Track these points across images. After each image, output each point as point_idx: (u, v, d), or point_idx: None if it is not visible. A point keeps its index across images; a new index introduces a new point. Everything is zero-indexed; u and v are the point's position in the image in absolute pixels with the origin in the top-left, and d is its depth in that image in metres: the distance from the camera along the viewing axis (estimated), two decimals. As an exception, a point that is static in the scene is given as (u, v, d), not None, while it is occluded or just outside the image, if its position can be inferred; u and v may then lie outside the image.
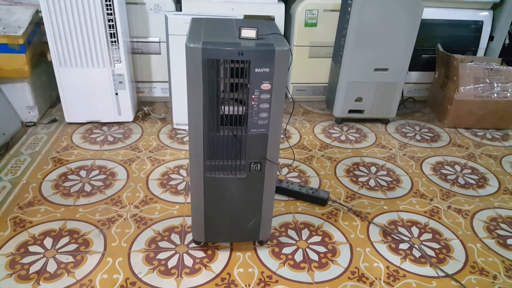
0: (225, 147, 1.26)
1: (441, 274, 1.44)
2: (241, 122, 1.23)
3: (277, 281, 1.37)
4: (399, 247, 1.56)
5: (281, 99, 1.19)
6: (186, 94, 1.16)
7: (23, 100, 2.22)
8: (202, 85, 1.14)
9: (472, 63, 2.51)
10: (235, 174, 1.30)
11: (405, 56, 2.33)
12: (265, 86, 1.15)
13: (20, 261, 1.39)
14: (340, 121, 2.53)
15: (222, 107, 1.21)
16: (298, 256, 1.47)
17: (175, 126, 2.32)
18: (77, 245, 1.46)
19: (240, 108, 1.21)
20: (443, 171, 2.09)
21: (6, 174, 1.84)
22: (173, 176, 1.89)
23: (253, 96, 1.16)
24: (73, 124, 2.31)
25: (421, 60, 2.76)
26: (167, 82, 2.20)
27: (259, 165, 1.29)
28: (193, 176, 1.30)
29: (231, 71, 1.16)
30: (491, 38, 2.81)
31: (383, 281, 1.40)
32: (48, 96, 2.45)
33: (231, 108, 1.21)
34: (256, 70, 1.12)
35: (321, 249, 1.52)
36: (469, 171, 2.11)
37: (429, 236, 1.63)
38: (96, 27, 2.04)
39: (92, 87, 2.19)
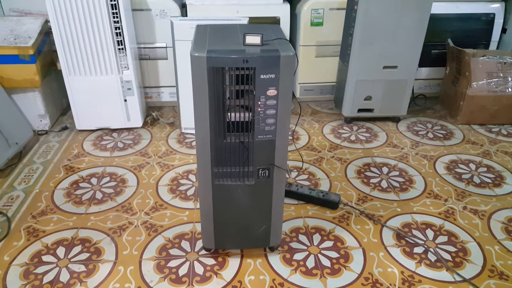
0: (232, 154, 1.25)
1: (458, 278, 1.41)
2: (248, 129, 1.22)
3: (288, 288, 1.36)
4: (414, 251, 1.52)
5: (288, 104, 1.17)
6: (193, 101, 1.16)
7: (35, 109, 2.24)
8: (208, 93, 1.13)
9: (485, 57, 2.45)
10: (243, 181, 1.29)
11: (414, 52, 2.29)
12: (271, 92, 1.13)
13: (34, 271, 1.40)
14: (350, 120, 2.50)
15: (229, 114, 1.20)
16: (310, 262, 1.46)
17: (183, 131, 2.33)
18: (89, 254, 1.47)
19: (247, 115, 1.20)
20: (458, 170, 2.05)
21: (20, 183, 1.87)
22: (182, 181, 1.89)
23: (259, 103, 1.15)
24: (83, 131, 2.33)
25: (431, 56, 2.71)
26: (174, 86, 2.21)
27: (267, 171, 1.27)
28: (201, 183, 1.29)
29: (236, 78, 1.15)
30: (503, 30, 2.73)
31: (398, 287, 1.37)
32: (59, 104, 2.48)
33: (237, 115, 1.20)
34: (262, 76, 1.10)
35: (333, 254, 1.50)
36: (485, 169, 2.05)
37: (445, 238, 1.59)
38: (104, 35, 2.05)
39: (101, 94, 2.21)
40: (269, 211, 1.35)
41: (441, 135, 2.39)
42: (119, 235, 1.55)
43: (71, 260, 1.44)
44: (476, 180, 1.96)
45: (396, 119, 2.53)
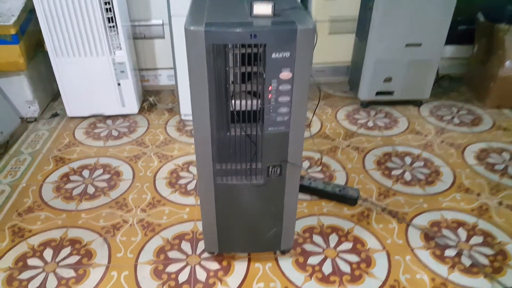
0: (237, 148, 1.06)
1: (499, 287, 1.22)
2: (256, 119, 1.02)
3: (303, 300, 1.18)
4: (445, 254, 1.34)
5: (305, 90, 0.97)
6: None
7: (22, 94, 2.06)
8: (207, 76, 0.93)
9: (519, 33, 2.20)
10: (251, 180, 1.10)
11: (441, 28, 2.05)
12: (285, 75, 0.93)
13: (18, 277, 1.25)
14: (366, 104, 2.28)
15: (233, 101, 1.00)
16: (327, 267, 1.28)
17: (183, 117, 2.13)
18: (79, 257, 1.31)
19: (255, 102, 1.00)
20: (489, 160, 1.84)
21: (5, 176, 1.70)
22: (182, 174, 1.71)
23: (270, 88, 0.95)
24: (75, 118, 2.15)
25: (457, 32, 2.45)
26: (172, 68, 2.00)
27: (278, 168, 1.08)
28: (201, 182, 1.10)
29: (242, 57, 0.94)
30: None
31: (428, 297, 1.20)
32: (48, 89, 2.28)
33: (243, 102, 1.00)
34: (274, 55, 0.90)
35: (353, 258, 1.32)
36: (520, 159, 1.85)
37: (480, 239, 1.40)
38: (92, 11, 1.84)
39: (92, 77, 2.01)
40: (280, 213, 1.17)
41: (468, 121, 2.17)
42: (113, 235, 1.39)
43: (59, 264, 1.29)
44: (511, 171, 1.75)
45: (418, 103, 2.31)
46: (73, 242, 1.37)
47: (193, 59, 0.91)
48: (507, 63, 2.17)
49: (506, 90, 2.23)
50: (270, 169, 1.08)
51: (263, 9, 0.90)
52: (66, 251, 1.33)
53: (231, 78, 0.98)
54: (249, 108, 1.01)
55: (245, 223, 1.18)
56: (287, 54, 0.90)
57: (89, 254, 1.32)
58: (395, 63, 2.11)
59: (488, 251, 1.35)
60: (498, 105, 2.28)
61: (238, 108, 1.01)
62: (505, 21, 2.20)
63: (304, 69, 0.93)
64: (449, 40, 2.42)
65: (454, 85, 2.54)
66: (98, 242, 1.36)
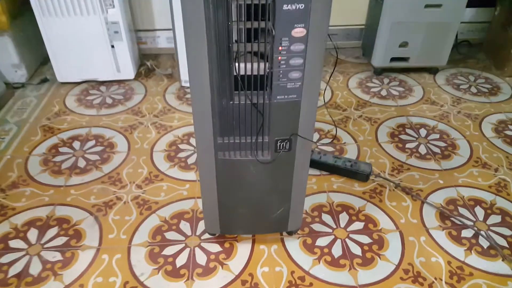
0: (242, 120, 0.93)
1: (520, 272, 1.13)
2: (263, 86, 0.89)
3: (311, 284, 1.09)
4: (462, 235, 1.24)
5: (321, 51, 0.83)
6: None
7: (6, 57, 1.90)
8: (206, 33, 0.79)
9: (547, -6, 2.01)
10: (256, 155, 0.97)
11: (464, -13, 1.86)
12: (298, 31, 0.78)
13: None
14: (380, 71, 2.12)
15: (236, 64, 0.86)
16: (336, 250, 1.18)
17: (183, 84, 1.98)
18: (67, 238, 1.20)
19: (262, 66, 0.86)
20: (508, 132, 1.71)
21: (-10, 147, 1.58)
22: (182, 146, 1.59)
23: (280, 48, 0.80)
24: (66, 84, 2.00)
25: (477, -8, 2.25)
26: (172, 30, 1.84)
27: (288, 143, 0.96)
28: (201, 158, 0.98)
29: (247, 10, 0.79)
30: None
31: (445, 282, 1.11)
32: (37, 52, 2.11)
33: (248, 66, 0.86)
34: (285, 7, 0.75)
35: (365, 239, 1.22)
36: (541, 132, 1.72)
37: (498, 218, 1.30)
38: (80, -37, 1.65)
39: (83, 39, 1.84)
40: (288, 191, 1.05)
41: (486, 90, 2.02)
42: (105, 214, 1.28)
43: (45, 246, 1.18)
44: (532, 145, 1.63)
45: (434, 70, 2.15)
46: (61, 221, 1.26)
47: (188, 12, 0.77)
48: (533, 27, 2.00)
49: (528, 57, 2.07)
50: (279, 144, 0.95)
51: (273, -49, 0.75)
52: (52, 231, 1.22)
53: (235, 36, 0.84)
54: (255, 72, 0.87)
55: (249, 203, 1.07)
56: (301, 6, 0.75)
57: (78, 235, 1.21)
58: (413, 26, 1.93)
59: (507, 231, 1.26)
60: (519, 74, 2.13)
61: (242, 72, 0.87)
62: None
63: (321, 25, 0.78)
64: (469, 2, 2.23)
65: (472, 51, 2.37)
66: (88, 222, 1.25)
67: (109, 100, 1.88)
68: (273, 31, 0.78)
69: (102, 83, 2.01)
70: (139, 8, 2.11)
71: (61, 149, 1.56)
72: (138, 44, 2.21)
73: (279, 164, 0.99)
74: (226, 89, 0.89)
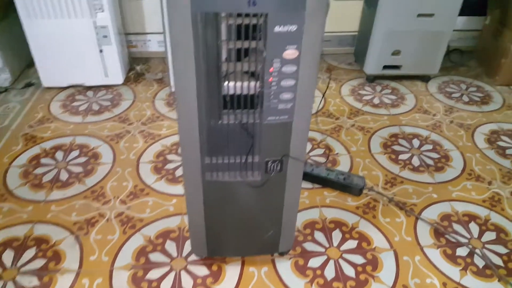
0: (231, 140, 0.89)
1: (516, 294, 1.11)
2: (253, 105, 0.84)
3: (303, 308, 1.05)
4: (457, 253, 1.21)
5: (313, 72, 0.78)
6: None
7: (-12, 61, 1.83)
8: (194, 52, 0.74)
9: (539, 3, 1.99)
10: (246, 177, 0.93)
11: (456, -3, 1.84)
12: (290, 53, 0.74)
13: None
14: (372, 79, 2.09)
15: (226, 84, 0.81)
16: (329, 271, 1.15)
17: (173, 89, 1.92)
18: (45, 261, 1.13)
19: (252, 85, 0.82)
20: (500, 143, 1.69)
21: (-32, 156, 1.51)
22: (170, 157, 1.54)
23: (271, 69, 0.76)
24: (52, 89, 1.93)
25: (469, 2, 2.22)
26: (163, 33, 1.78)
27: (279, 164, 0.91)
28: (187, 179, 0.93)
29: (237, 29, 0.75)
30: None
31: (440, 305, 1.08)
32: (22, 55, 2.03)
33: (238, 85, 0.81)
34: (277, 29, 0.70)
35: (358, 259, 1.18)
36: (533, 143, 1.70)
37: (493, 235, 1.28)
38: (66, -35, 1.59)
39: (70, 43, 1.78)
40: (279, 213, 1.01)
41: (477, 99, 2.01)
42: (86, 233, 1.22)
43: (21, 270, 1.11)
44: (525, 157, 1.62)
45: (426, 78, 2.13)
46: (39, 241, 1.19)
47: (176, 30, 0.72)
48: (524, 37, 1.99)
49: (518, 66, 2.06)
50: (269, 165, 0.91)
51: (265, -33, 0.70)
52: (30, 253, 1.15)
53: (224, 55, 0.79)
54: (245, 92, 0.82)
55: (238, 225, 1.02)
56: (293, 27, 0.70)
57: (57, 257, 1.15)
58: (406, 35, 1.91)
59: (502, 249, 1.23)
60: (508, 82, 2.12)
61: (232, 91, 0.83)
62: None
63: (314, 47, 0.74)
64: (461, 11, 2.21)
65: (464, 59, 2.35)
66: (68, 242, 1.19)
67: (95, 107, 1.82)
68: (264, 52, 0.73)
69: (89, 88, 1.95)
70: (130, 11, 2.05)
71: (43, 160, 1.50)
72: (128, 47, 2.15)
73: (270, 185, 0.95)
74: (215, 108, 0.85)
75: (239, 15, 0.71)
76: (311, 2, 0.69)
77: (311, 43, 0.73)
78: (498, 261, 1.20)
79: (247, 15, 0.70)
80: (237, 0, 0.67)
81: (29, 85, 1.96)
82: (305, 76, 0.78)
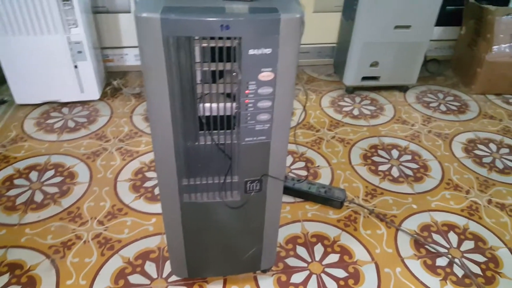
0: (208, 161, 0.87)
1: (495, 303, 1.12)
2: (231, 126, 0.83)
3: (286, 327, 1.04)
4: (436, 263, 1.23)
5: (290, 93, 0.78)
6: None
7: (-43, 78, 1.77)
8: (167, 75, 0.73)
9: (509, 16, 2.06)
10: (225, 197, 0.92)
11: (431, 9, 1.88)
12: (265, 75, 0.74)
13: None
14: (352, 90, 2.12)
15: (201, 105, 0.80)
16: (312, 286, 1.14)
17: (151, 106, 1.90)
18: (19, 287, 1.09)
19: (228, 106, 0.81)
20: (477, 151, 1.73)
21: None
22: (149, 174, 1.51)
23: (247, 91, 0.76)
24: (25, 106, 1.88)
25: (445, 12, 2.29)
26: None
27: (258, 183, 0.91)
28: (164, 200, 0.92)
29: (212, 51, 0.74)
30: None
31: (422, 317, 1.08)
32: (-7, 71, 1.98)
33: (214, 106, 0.81)
34: (251, 52, 0.70)
35: (340, 273, 1.18)
36: (507, 150, 1.75)
37: (471, 244, 1.29)
38: (38, -19, 1.56)
39: (44, 59, 1.73)
40: (260, 232, 1.00)
41: (455, 108, 2.05)
42: (62, 256, 1.18)
43: (-6, 297, 1.08)
44: (499, 164, 1.66)
45: (404, 88, 2.17)
46: (13, 266, 1.14)
47: (147, 53, 0.70)
48: (495, 47, 2.05)
49: (492, 76, 2.12)
50: (248, 185, 0.90)
51: (238, -9, 0.70)
52: (3, 279, 1.10)
53: (199, 77, 0.78)
54: (221, 113, 0.82)
55: (219, 246, 1.01)
56: (268, 50, 0.70)
57: (33, 283, 1.10)
58: (383, 46, 1.94)
59: (480, 258, 1.25)
60: (484, 91, 2.18)
61: (208, 113, 0.82)
62: (491, 2, 2.07)
63: (289, 69, 0.74)
64: (437, 21, 2.26)
65: (440, 69, 2.41)
66: (44, 266, 1.15)
67: (71, 124, 1.78)
68: (240, 75, 0.73)
69: (65, 104, 1.90)
70: (106, 25, 2.02)
71: (16, 181, 1.45)
72: (104, 62, 2.11)
73: (250, 205, 0.94)
74: (191, 130, 0.84)
75: (212, 38, 0.70)
76: (284, 27, 0.69)
77: (286, 65, 0.73)
78: (476, 269, 1.21)
79: (220, 38, 0.70)
80: (210, 24, 0.66)
81: (1, 102, 1.90)
82: (282, 97, 0.77)
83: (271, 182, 0.92)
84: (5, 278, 1.12)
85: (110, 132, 1.74)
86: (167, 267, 1.16)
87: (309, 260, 1.22)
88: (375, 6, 1.81)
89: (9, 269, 1.14)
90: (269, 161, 0.88)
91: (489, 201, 1.47)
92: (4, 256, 1.18)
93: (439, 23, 2.29)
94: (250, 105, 0.77)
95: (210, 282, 1.13)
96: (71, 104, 1.91)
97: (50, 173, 1.49)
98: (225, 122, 0.83)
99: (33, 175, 1.48)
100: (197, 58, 0.74)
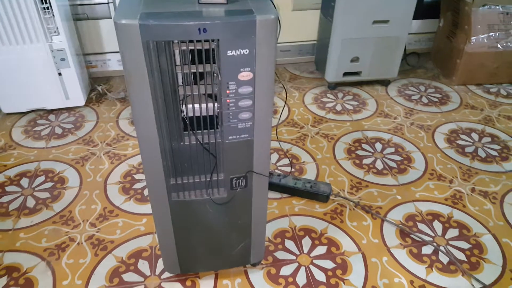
0: (194, 160, 0.90)
1: (478, 285, 1.17)
2: (214, 125, 0.87)
3: (277, 317, 1.08)
4: (422, 252, 1.27)
5: (269, 91, 0.82)
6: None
7: None
8: (149, 79, 0.75)
9: (485, 7, 2.12)
10: (212, 194, 0.95)
11: (409, 3, 1.93)
12: (245, 75, 0.77)
13: None
14: (334, 86, 2.16)
15: (184, 106, 0.83)
16: (301, 278, 1.18)
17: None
18: (16, 290, 1.12)
19: (210, 106, 0.84)
20: (459, 142, 1.78)
21: None
22: (137, 176, 1.53)
23: (227, 91, 0.79)
24: (12, 114, 1.88)
25: (422, 5, 2.35)
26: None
27: (243, 180, 0.94)
28: (154, 200, 0.94)
29: (192, 53, 0.77)
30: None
31: (408, 302, 1.13)
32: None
33: (196, 107, 0.84)
34: (229, 53, 0.73)
35: (328, 264, 1.22)
36: (489, 139, 1.80)
37: (455, 232, 1.34)
38: (19, -10, 1.57)
39: (27, 68, 1.74)
40: (248, 227, 1.04)
41: (436, 99, 2.11)
42: (58, 258, 1.20)
43: (-9, 301, 1.10)
44: (481, 153, 1.71)
45: (385, 82, 2.22)
46: (10, 269, 1.17)
47: (128, 58, 0.73)
48: (473, 38, 2.11)
49: (472, 66, 2.18)
50: (234, 181, 0.94)
51: (214, -5, 0.73)
52: (1, 282, 1.13)
53: (181, 79, 0.81)
54: (204, 113, 0.85)
55: (209, 241, 1.04)
56: (245, 51, 0.74)
57: (30, 284, 1.13)
58: (363, 42, 1.99)
59: (465, 245, 1.30)
60: (465, 82, 2.24)
61: (191, 114, 0.85)
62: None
63: (267, 68, 0.77)
64: (415, 15, 2.32)
65: (421, 61, 2.46)
66: (40, 268, 1.17)
67: (58, 130, 1.79)
68: (219, 76, 0.76)
69: (51, 111, 1.91)
70: (87, 32, 2.03)
71: (8, 188, 1.46)
72: (88, 68, 2.13)
73: (236, 201, 0.97)
74: (176, 130, 0.87)
75: (191, 41, 0.73)
76: (261, 28, 0.72)
77: (264, 64, 0.77)
78: (461, 256, 1.26)
79: (199, 41, 0.73)
80: (188, 28, 0.69)
81: (-12, 111, 1.90)
82: (262, 95, 0.81)
83: (256, 178, 0.95)
84: (3, 280, 1.14)
85: (97, 136, 1.75)
86: (160, 265, 1.19)
87: (298, 253, 1.25)
88: (352, 2, 1.85)
89: (7, 272, 1.16)
90: (253, 158, 0.91)
91: (473, 190, 1.52)
92: (1, 260, 1.20)
93: (417, 16, 2.36)
94: (231, 104, 0.80)
95: (202, 277, 1.16)
96: (57, 111, 1.92)
97: (41, 179, 1.51)
98: (208, 122, 0.86)
99: (24, 182, 1.49)
100: (178, 61, 0.77)
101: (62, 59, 1.76)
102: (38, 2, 1.62)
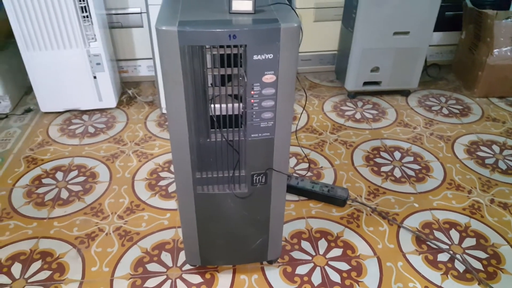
0: (219, 156, 0.98)
1: (492, 293, 1.19)
2: (238, 124, 0.94)
3: (291, 312, 1.12)
4: (438, 259, 1.29)
5: (290, 93, 0.88)
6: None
7: (-11, 89, 1.92)
8: (183, 79, 0.83)
9: (509, 20, 2.13)
10: (234, 189, 1.02)
11: (429, 15, 1.97)
12: (268, 78, 0.84)
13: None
14: (354, 95, 2.21)
15: (212, 106, 0.91)
16: (316, 277, 1.22)
17: (164, 111, 2.02)
18: (50, 272, 1.21)
19: (236, 107, 0.91)
20: (480, 153, 1.79)
21: (-28, 179, 1.58)
22: (162, 174, 1.62)
23: (252, 92, 0.86)
24: (49, 113, 2.02)
25: (444, 18, 2.37)
26: (152, 58, 1.89)
27: (263, 176, 1.00)
28: (180, 192, 1.02)
29: (221, 58, 0.85)
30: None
31: (421, 306, 1.15)
32: (21, 83, 2.13)
33: (223, 106, 0.91)
34: (255, 57, 0.80)
35: (343, 266, 1.26)
36: (510, 151, 1.80)
37: (473, 241, 1.35)
38: (63, 1, 1.70)
39: (66, 71, 1.88)
40: (266, 222, 1.09)
41: (457, 111, 2.12)
42: (87, 246, 1.30)
43: (29, 281, 1.19)
44: (502, 165, 1.71)
45: (405, 93, 2.24)
46: (44, 255, 1.27)
47: (166, 60, 0.81)
48: (496, 51, 2.12)
49: (494, 79, 2.18)
50: (255, 178, 1.00)
51: (243, 5, 0.81)
52: (36, 265, 1.23)
53: (210, 81, 0.89)
54: (230, 112, 0.92)
55: (229, 234, 1.10)
56: (270, 56, 0.81)
57: (62, 269, 1.22)
58: (383, 52, 2.03)
59: (482, 254, 1.31)
60: (487, 94, 2.24)
61: (218, 112, 0.92)
62: (490, 6, 2.14)
63: (289, 72, 0.84)
64: (437, 27, 2.34)
65: (442, 73, 2.48)
66: (71, 255, 1.27)
67: (91, 129, 1.91)
68: (245, 77, 0.83)
69: (85, 112, 2.04)
70: (120, 39, 2.16)
71: (44, 180, 1.57)
72: (120, 73, 2.25)
73: (256, 196, 1.03)
74: (203, 128, 0.94)
75: (221, 46, 0.81)
76: (284, 35, 0.79)
77: (287, 68, 0.83)
78: (478, 265, 1.27)
79: (228, 46, 0.80)
80: (219, 34, 0.77)
81: (28, 111, 2.04)
82: (283, 97, 0.87)
83: (275, 176, 1.01)
84: (38, 264, 1.24)
85: (127, 136, 1.86)
86: (181, 257, 1.26)
87: (313, 253, 1.30)
88: (373, 14, 1.91)
89: (41, 257, 1.26)
90: (273, 156, 0.97)
91: (492, 201, 1.52)
92: (36, 245, 1.30)
93: (439, 28, 2.38)
94: (255, 104, 0.87)
95: (220, 271, 1.22)
96: (90, 112, 2.04)
97: (74, 173, 1.62)
98: (233, 121, 0.93)
99: (59, 175, 1.60)
100: (208, 64, 0.85)
101: (98, 64, 1.88)
102: (79, 11, 1.75)
